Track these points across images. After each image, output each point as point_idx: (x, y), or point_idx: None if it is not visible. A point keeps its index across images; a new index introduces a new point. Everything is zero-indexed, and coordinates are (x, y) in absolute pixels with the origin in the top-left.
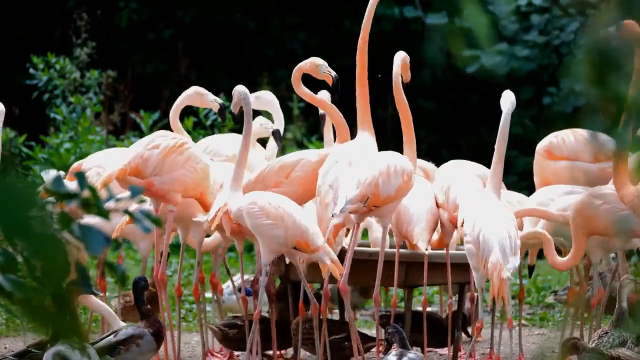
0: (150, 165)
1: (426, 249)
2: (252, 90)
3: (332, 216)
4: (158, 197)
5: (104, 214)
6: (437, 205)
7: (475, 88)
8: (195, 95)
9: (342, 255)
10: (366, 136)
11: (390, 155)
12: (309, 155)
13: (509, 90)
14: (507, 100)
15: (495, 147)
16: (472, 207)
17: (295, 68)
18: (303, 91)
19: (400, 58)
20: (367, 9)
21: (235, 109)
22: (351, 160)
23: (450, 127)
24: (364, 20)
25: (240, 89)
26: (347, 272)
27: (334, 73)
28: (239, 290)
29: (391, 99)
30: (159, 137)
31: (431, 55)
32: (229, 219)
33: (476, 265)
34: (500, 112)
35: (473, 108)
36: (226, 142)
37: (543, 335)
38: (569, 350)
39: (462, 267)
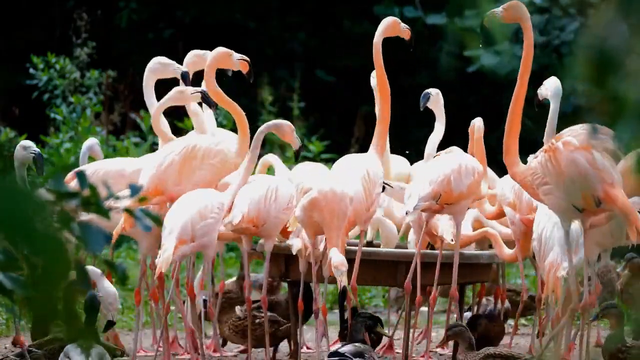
0: (170, 182)
1: (451, 240)
2: (252, 91)
3: (406, 214)
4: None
5: (104, 213)
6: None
7: (475, 88)
8: (160, 67)
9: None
10: (372, 153)
11: (461, 155)
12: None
13: (555, 78)
14: (554, 88)
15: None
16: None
17: (207, 65)
18: (216, 90)
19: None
20: (374, 49)
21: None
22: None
23: (450, 127)
24: (375, 57)
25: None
26: (411, 273)
27: (246, 57)
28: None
29: (391, 98)
30: (169, 155)
31: (443, 60)
32: (249, 220)
33: (538, 263)
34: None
35: (473, 108)
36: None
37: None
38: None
39: (462, 267)
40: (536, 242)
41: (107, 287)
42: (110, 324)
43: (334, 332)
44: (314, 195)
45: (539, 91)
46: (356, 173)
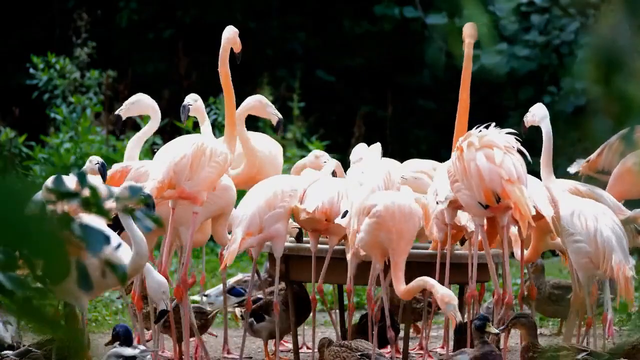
0: (183, 176)
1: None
2: (252, 91)
3: (437, 203)
4: (187, 199)
5: (105, 213)
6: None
7: (475, 88)
8: (258, 105)
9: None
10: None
11: None
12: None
13: (540, 104)
14: (541, 113)
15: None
16: (573, 206)
17: (223, 46)
18: (227, 70)
19: None
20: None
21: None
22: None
23: (450, 127)
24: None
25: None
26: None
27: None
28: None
29: (391, 98)
30: (182, 149)
31: (432, 56)
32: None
33: (589, 265)
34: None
35: (473, 108)
36: None
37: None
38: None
39: (462, 267)
40: (586, 244)
41: (156, 278)
42: (163, 313)
43: (334, 332)
44: (379, 213)
45: (524, 119)
46: (379, 173)
